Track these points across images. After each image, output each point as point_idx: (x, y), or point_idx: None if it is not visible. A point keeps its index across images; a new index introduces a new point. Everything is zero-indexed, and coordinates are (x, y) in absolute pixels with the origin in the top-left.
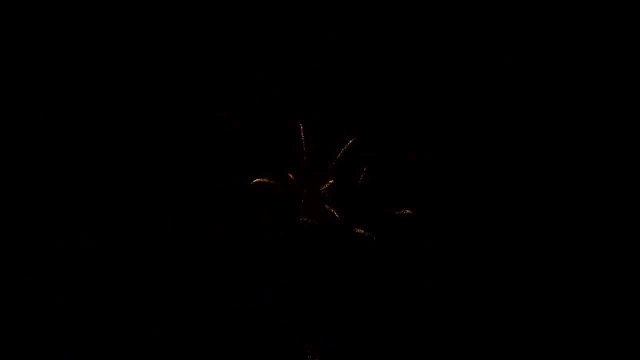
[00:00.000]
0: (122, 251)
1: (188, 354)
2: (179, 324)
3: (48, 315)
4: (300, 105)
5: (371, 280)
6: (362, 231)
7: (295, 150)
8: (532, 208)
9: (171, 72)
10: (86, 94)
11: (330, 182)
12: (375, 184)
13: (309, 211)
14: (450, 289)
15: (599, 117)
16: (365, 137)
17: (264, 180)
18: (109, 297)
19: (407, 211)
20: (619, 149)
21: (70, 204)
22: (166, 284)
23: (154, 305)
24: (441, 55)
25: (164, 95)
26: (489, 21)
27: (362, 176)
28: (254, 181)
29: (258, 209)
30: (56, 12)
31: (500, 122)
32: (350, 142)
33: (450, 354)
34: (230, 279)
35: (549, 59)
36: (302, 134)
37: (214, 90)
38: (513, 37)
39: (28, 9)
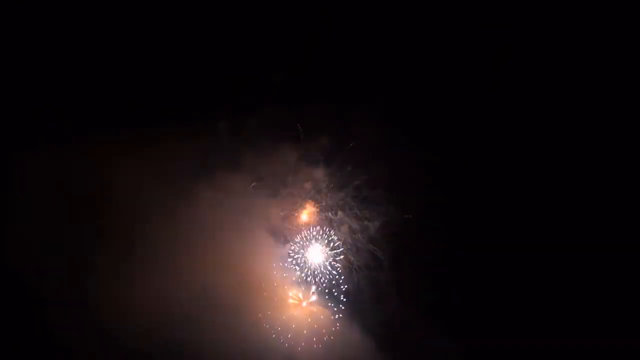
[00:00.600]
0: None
1: None
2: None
3: None
4: (300, 105)
5: (369, 280)
6: (359, 235)
7: (295, 151)
8: (532, 208)
9: (171, 72)
10: (86, 94)
11: (330, 185)
12: (374, 185)
13: (307, 213)
14: (449, 289)
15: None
16: (365, 137)
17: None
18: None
19: (408, 215)
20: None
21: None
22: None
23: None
24: (441, 55)
25: (163, 95)
26: (489, 21)
27: (361, 177)
28: (253, 184)
29: (258, 209)
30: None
31: (501, 123)
32: (351, 144)
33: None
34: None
35: (548, 59)
36: (301, 135)
37: (214, 91)
38: (513, 37)
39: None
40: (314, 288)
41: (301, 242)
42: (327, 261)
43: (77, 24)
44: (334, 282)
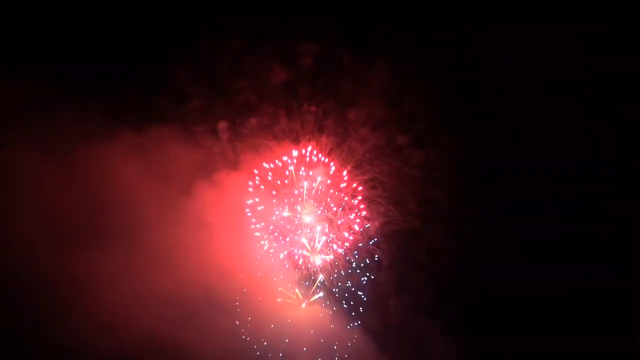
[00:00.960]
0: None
1: None
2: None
3: None
4: (300, 103)
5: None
6: (359, 235)
7: (295, 151)
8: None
9: (170, 73)
10: (85, 94)
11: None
12: (374, 185)
13: (307, 213)
14: (449, 289)
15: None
16: (365, 137)
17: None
18: None
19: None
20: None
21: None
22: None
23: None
24: (441, 55)
25: (163, 96)
26: (489, 22)
27: (361, 177)
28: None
29: (257, 209)
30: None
31: (500, 123)
32: (348, 143)
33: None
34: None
35: (548, 59)
36: (301, 132)
37: (214, 91)
38: (513, 38)
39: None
40: (313, 288)
41: (301, 242)
42: (326, 261)
43: (77, 24)
44: (333, 282)
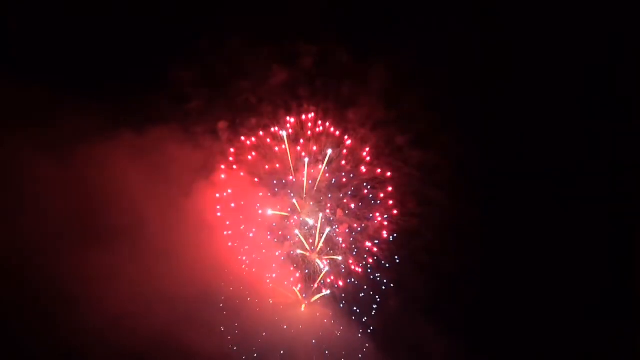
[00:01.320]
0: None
1: None
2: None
3: None
4: (300, 104)
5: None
6: (359, 235)
7: (295, 151)
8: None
9: (170, 74)
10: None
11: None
12: (374, 185)
13: (307, 212)
14: (448, 289)
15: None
16: (364, 137)
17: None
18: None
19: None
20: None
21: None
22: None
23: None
24: (441, 56)
25: (163, 96)
26: (490, 23)
27: (361, 177)
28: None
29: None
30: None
31: (500, 123)
32: (347, 142)
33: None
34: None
35: (548, 61)
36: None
37: (213, 91)
38: (513, 40)
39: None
40: (313, 288)
41: (301, 241)
42: (327, 261)
43: (77, 25)
44: (334, 282)
